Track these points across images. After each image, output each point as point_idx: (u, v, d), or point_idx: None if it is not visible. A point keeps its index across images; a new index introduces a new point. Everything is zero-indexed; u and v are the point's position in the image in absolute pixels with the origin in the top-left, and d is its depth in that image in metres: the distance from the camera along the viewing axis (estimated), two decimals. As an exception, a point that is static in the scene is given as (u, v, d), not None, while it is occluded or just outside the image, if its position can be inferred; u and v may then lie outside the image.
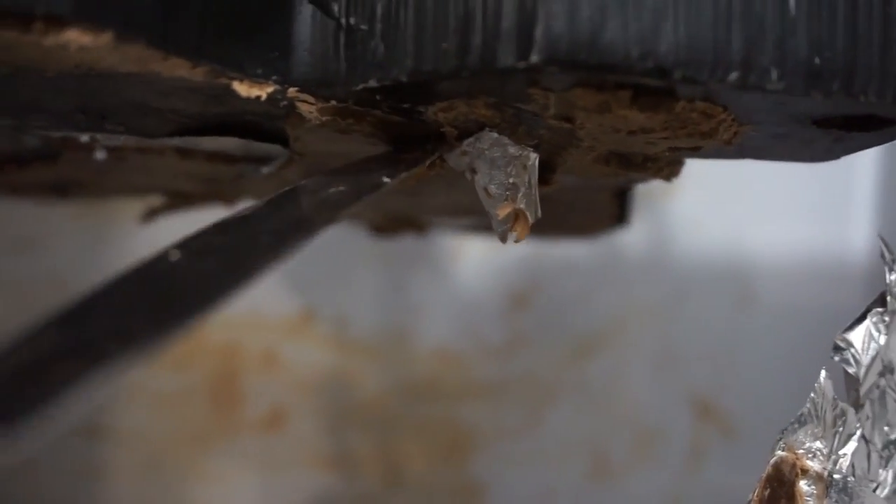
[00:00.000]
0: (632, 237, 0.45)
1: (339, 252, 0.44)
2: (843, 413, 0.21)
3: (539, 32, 0.16)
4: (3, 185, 0.32)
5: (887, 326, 0.21)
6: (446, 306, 0.46)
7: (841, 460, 0.21)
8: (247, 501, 0.45)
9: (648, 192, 0.44)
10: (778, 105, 0.18)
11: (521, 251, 0.45)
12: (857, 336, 0.21)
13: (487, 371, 0.46)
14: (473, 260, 0.47)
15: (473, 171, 0.21)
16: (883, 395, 0.21)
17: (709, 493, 0.46)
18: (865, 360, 0.21)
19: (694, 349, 0.47)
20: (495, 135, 0.20)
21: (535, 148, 0.20)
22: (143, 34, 0.17)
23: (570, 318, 0.47)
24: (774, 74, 0.16)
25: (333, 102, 0.20)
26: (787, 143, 0.20)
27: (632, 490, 0.46)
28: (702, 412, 0.47)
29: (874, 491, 0.21)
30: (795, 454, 0.21)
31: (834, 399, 0.21)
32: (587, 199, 0.30)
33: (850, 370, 0.21)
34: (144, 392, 0.44)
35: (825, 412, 0.21)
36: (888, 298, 0.21)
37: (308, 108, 0.20)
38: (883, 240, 0.21)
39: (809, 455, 0.21)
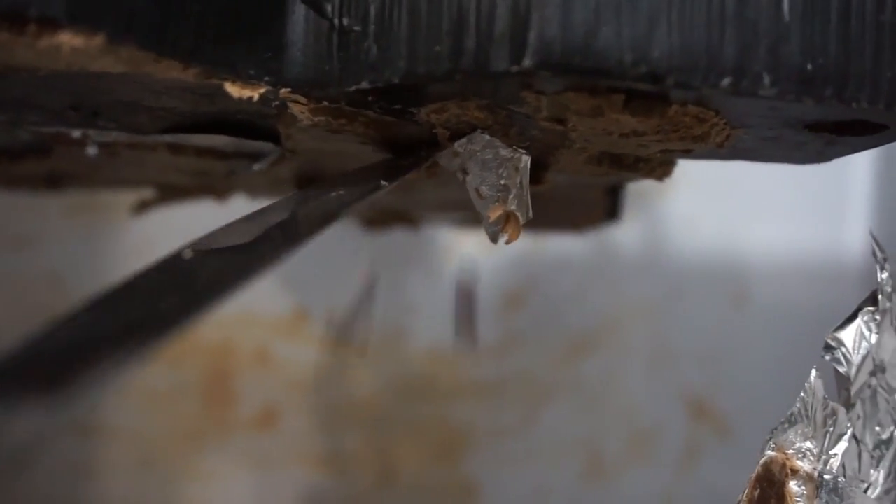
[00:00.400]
0: (626, 236, 0.46)
1: (332, 251, 0.44)
2: (834, 413, 0.21)
3: (533, 37, 0.16)
4: (-3, 179, 0.32)
5: (878, 325, 0.21)
6: (440, 305, 0.46)
7: (831, 460, 0.21)
8: (240, 499, 0.45)
9: (642, 190, 0.44)
10: (770, 110, 0.18)
11: (515, 250, 0.45)
12: (848, 335, 0.21)
13: (481, 370, 0.46)
14: (467, 258, 0.47)
15: (465, 172, 0.21)
16: (874, 394, 0.21)
17: (703, 492, 0.46)
18: (856, 359, 0.21)
19: (688, 348, 0.47)
20: (487, 137, 0.20)
21: (527, 149, 0.20)
22: (136, 36, 0.17)
23: (565, 318, 0.47)
24: (767, 80, 0.16)
25: (325, 103, 0.19)
26: (779, 145, 0.20)
27: (626, 489, 0.47)
28: (696, 411, 0.47)
29: (865, 491, 0.21)
30: (785, 454, 0.21)
31: (824, 398, 0.21)
32: (579, 195, 0.30)
33: (841, 369, 0.21)
34: (138, 390, 0.44)
35: (815, 412, 0.21)
36: (879, 297, 0.21)
37: (300, 108, 0.20)
38: (874, 238, 0.21)
39: (799, 455, 0.21)
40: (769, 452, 0.21)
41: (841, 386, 0.21)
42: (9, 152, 0.27)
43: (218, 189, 0.32)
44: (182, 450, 0.45)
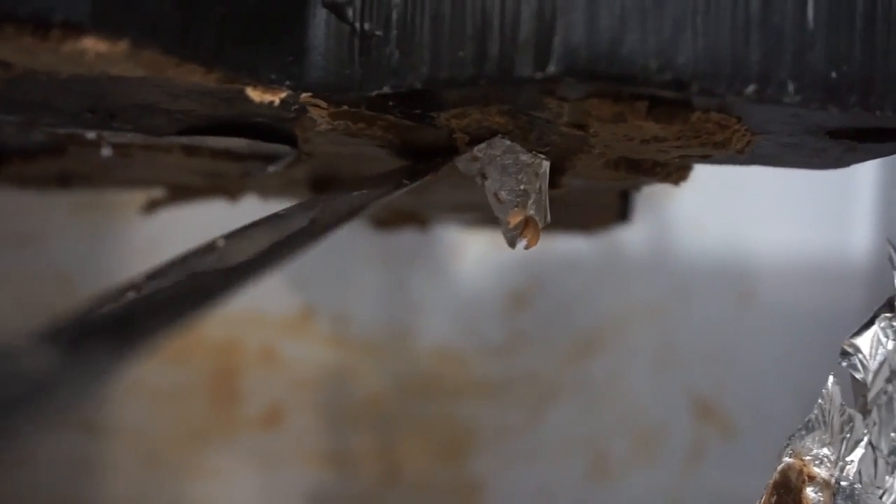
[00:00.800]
0: (633, 236, 0.46)
1: (339, 249, 0.44)
2: (851, 419, 0.21)
3: (558, 42, 0.16)
4: (9, 177, 0.32)
5: (895, 332, 0.21)
6: (446, 304, 0.46)
7: (848, 467, 0.21)
8: (245, 498, 0.45)
9: (649, 191, 0.44)
10: (793, 117, 0.18)
11: (521, 250, 0.45)
12: (864, 341, 0.21)
13: (487, 369, 0.46)
14: (473, 258, 0.47)
15: (484, 177, 0.21)
16: (890, 400, 0.21)
17: (708, 492, 0.46)
18: (873, 365, 0.21)
19: (694, 349, 0.47)
20: (507, 142, 0.20)
21: (546, 154, 0.20)
22: (160, 41, 0.16)
23: (571, 317, 0.47)
24: (791, 88, 0.16)
25: (345, 107, 0.19)
26: (799, 151, 0.20)
27: (631, 489, 0.47)
28: (702, 412, 0.47)
29: (880, 498, 0.21)
30: (802, 461, 0.21)
31: (841, 405, 0.21)
32: (591, 197, 0.30)
33: (858, 376, 0.21)
34: (143, 388, 0.44)
35: (832, 418, 0.21)
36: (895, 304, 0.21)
37: (320, 112, 0.20)
38: (892, 244, 0.21)
39: (816, 462, 0.21)
40: (787, 459, 0.21)
41: (858, 392, 0.21)
42: (22, 152, 0.27)
43: (229, 189, 0.32)
44: (187, 448, 0.45)
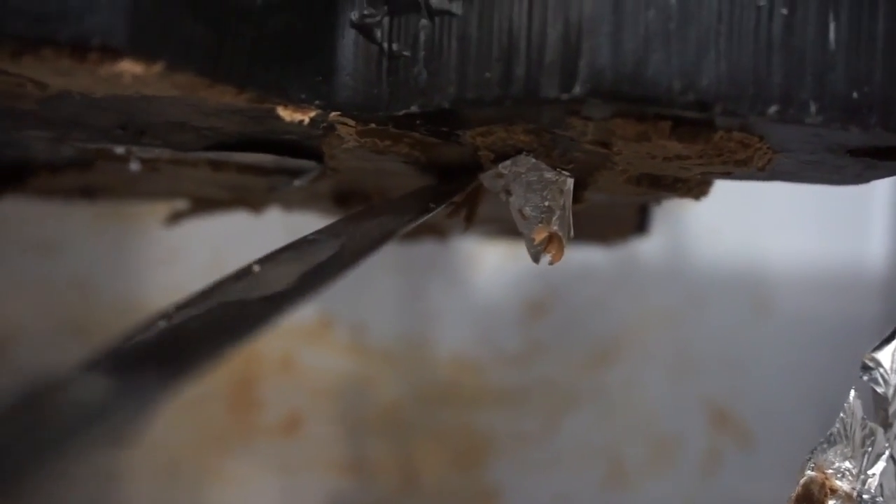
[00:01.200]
0: (649, 245, 0.46)
1: (358, 259, 0.45)
2: (873, 433, 0.21)
3: (583, 64, 0.16)
4: (35, 189, 0.33)
5: (916, 346, 0.21)
6: (464, 313, 0.47)
7: (870, 480, 0.21)
8: (264, 505, 0.46)
9: (667, 201, 0.44)
10: (815, 136, 0.18)
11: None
12: (885, 355, 0.21)
13: (504, 378, 0.47)
14: (490, 267, 0.47)
15: (508, 193, 0.21)
16: (911, 414, 0.21)
17: (724, 501, 0.46)
18: (894, 379, 0.21)
19: (710, 357, 0.47)
20: (532, 159, 0.20)
21: (570, 171, 0.21)
22: (194, 63, 0.17)
23: (587, 326, 0.47)
24: (813, 108, 0.17)
25: (373, 125, 0.20)
26: (819, 168, 0.21)
27: (647, 497, 0.47)
28: (718, 420, 0.47)
29: (901, 511, 0.21)
30: (825, 474, 0.21)
31: (863, 419, 0.21)
32: (610, 210, 0.30)
33: (879, 390, 0.21)
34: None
35: (854, 432, 0.21)
36: (916, 318, 0.22)
37: (348, 130, 0.20)
38: None
39: (839, 475, 0.21)
40: (809, 472, 0.21)
41: (879, 406, 0.21)
42: (50, 165, 0.28)
43: (253, 202, 0.32)
44: (207, 455, 0.45)
